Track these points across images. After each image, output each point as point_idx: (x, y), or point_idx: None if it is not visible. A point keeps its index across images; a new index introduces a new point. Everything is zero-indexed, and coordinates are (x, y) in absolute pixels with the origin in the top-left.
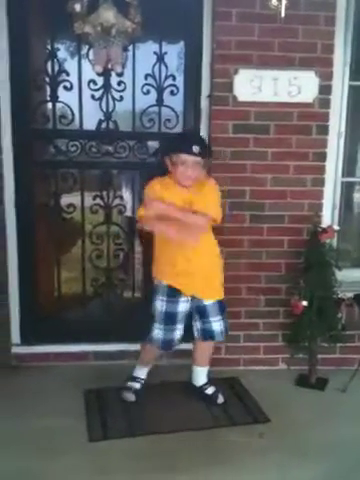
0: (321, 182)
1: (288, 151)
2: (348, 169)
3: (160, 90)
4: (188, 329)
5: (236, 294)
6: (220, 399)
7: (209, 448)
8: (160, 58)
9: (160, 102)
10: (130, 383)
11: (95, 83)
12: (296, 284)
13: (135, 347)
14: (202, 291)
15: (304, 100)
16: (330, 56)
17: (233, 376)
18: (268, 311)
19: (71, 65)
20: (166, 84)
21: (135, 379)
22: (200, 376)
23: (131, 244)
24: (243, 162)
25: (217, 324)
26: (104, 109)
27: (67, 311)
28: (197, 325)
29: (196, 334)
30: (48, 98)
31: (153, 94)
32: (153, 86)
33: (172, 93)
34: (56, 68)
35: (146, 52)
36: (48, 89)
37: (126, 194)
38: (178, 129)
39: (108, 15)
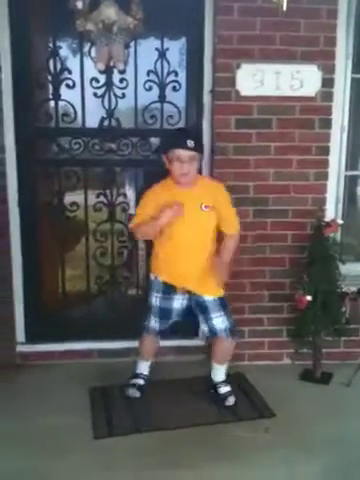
0: (324, 176)
1: (291, 145)
2: (351, 162)
3: (162, 86)
4: (190, 326)
5: (240, 289)
6: (229, 401)
7: (215, 444)
8: (162, 54)
9: (162, 98)
10: (133, 380)
11: (97, 81)
12: (300, 278)
13: None
14: (198, 285)
15: (306, 94)
16: (332, 49)
17: (238, 371)
18: (272, 306)
19: (73, 63)
20: (168, 80)
21: (138, 375)
22: (216, 373)
23: (135, 242)
24: (246, 157)
25: (219, 320)
26: (106, 106)
27: (71, 309)
28: (202, 324)
29: (204, 333)
30: (50, 96)
31: (155, 90)
32: (155, 82)
33: (174, 89)
34: (58, 66)
35: (148, 48)
36: (50, 87)
37: (129, 192)
38: (181, 125)
39: (110, 12)
